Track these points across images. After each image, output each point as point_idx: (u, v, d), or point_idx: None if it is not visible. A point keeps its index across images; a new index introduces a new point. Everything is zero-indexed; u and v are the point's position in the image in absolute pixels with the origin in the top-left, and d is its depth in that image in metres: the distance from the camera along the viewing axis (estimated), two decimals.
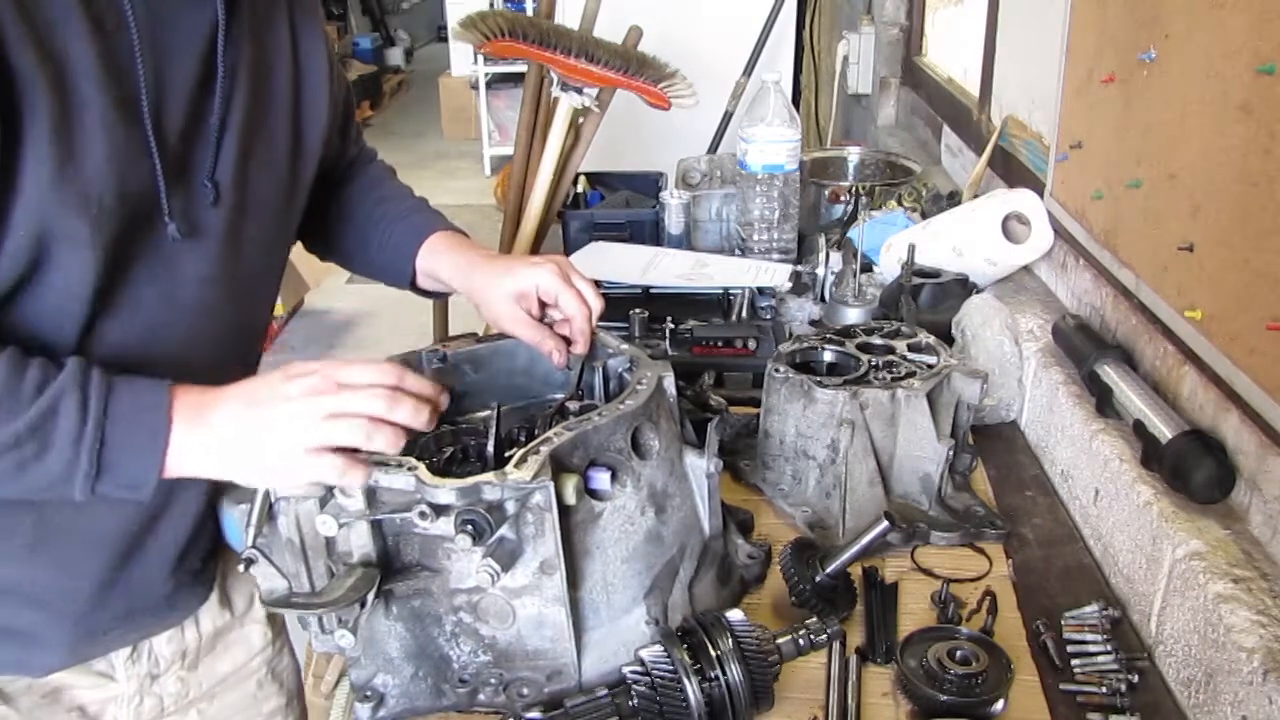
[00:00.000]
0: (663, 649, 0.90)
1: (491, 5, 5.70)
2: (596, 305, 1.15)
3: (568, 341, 1.15)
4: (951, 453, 1.25)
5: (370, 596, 0.89)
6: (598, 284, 1.18)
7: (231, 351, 1.05)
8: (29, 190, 0.82)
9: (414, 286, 1.28)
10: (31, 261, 0.85)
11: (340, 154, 1.29)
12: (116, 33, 0.86)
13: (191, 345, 0.98)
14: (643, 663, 0.90)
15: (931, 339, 1.36)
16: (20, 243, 0.84)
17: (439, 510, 0.88)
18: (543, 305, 1.16)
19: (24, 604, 0.98)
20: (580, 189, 2.32)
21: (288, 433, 0.87)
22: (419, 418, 0.91)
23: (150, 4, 0.89)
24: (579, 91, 2.10)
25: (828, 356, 1.37)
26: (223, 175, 0.98)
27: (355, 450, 0.88)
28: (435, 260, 1.24)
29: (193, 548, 1.08)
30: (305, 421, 0.87)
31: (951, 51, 2.74)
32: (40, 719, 1.05)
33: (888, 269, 1.84)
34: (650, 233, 2.11)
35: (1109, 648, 1.05)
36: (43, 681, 1.04)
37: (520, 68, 2.54)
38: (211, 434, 0.87)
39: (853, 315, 1.70)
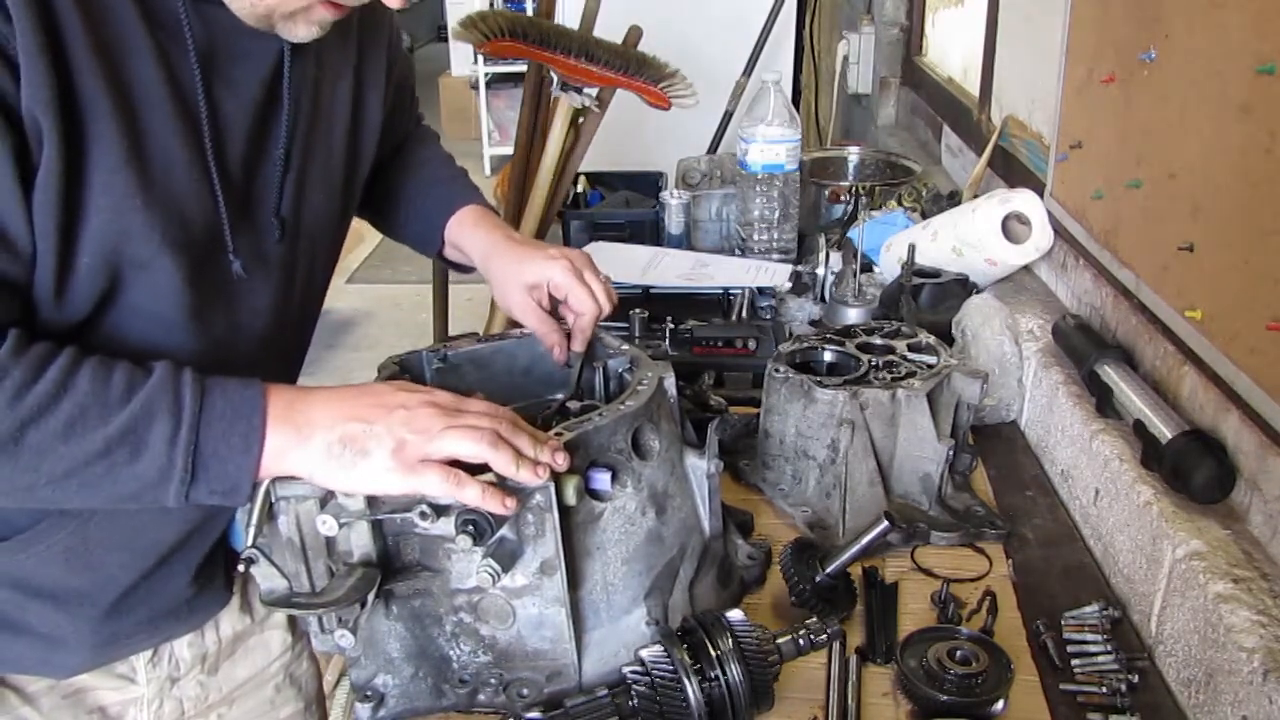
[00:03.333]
0: (663, 649, 0.90)
1: (491, 5, 5.70)
2: (605, 306, 1.14)
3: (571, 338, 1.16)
4: (951, 453, 1.25)
5: (370, 596, 0.89)
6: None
7: (279, 370, 1.06)
8: (97, 216, 0.81)
9: (441, 257, 1.29)
10: (108, 283, 0.85)
11: (401, 132, 1.29)
12: (180, 62, 0.85)
13: (247, 366, 0.97)
14: (643, 663, 0.90)
15: (931, 339, 1.36)
16: (93, 263, 0.83)
17: (439, 510, 0.88)
18: (555, 299, 1.16)
19: (51, 606, 0.98)
20: (580, 189, 2.32)
21: (401, 438, 0.84)
22: (539, 450, 0.88)
23: (211, 32, 0.87)
24: (579, 91, 2.11)
25: (828, 356, 1.37)
26: (286, 209, 0.97)
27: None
28: (461, 234, 1.24)
29: (216, 554, 1.08)
30: (424, 428, 0.85)
31: (951, 51, 2.74)
32: None
33: (888, 269, 1.84)
34: (650, 233, 2.11)
35: (1109, 648, 1.05)
36: (65, 682, 1.04)
37: (520, 68, 2.55)
38: (311, 434, 0.84)
39: (853, 315, 1.70)
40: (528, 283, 1.15)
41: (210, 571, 1.09)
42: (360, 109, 1.08)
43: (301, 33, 0.89)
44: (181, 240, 0.87)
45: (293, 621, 1.24)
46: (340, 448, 0.84)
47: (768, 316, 1.80)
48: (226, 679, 1.18)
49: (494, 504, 0.86)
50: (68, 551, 0.95)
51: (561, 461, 0.89)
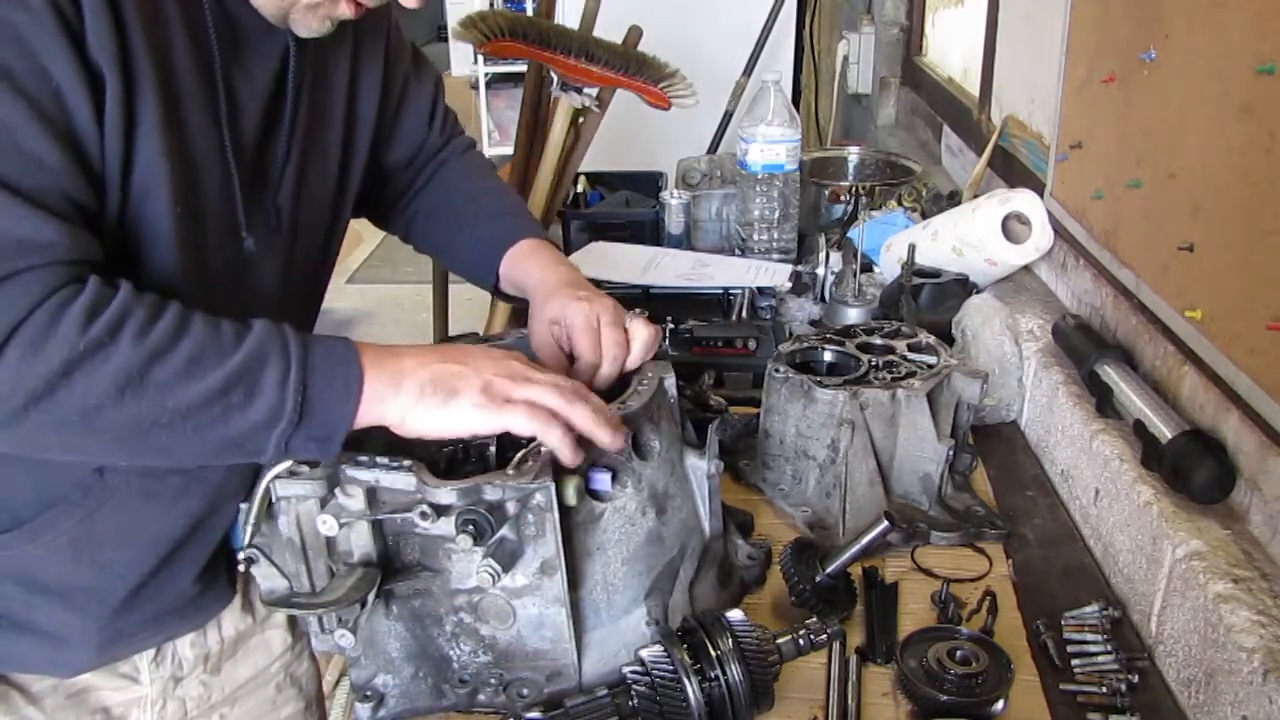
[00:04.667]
0: (663, 649, 0.90)
1: (491, 5, 5.70)
2: (608, 367, 1.07)
3: None
4: (951, 453, 1.25)
5: (370, 596, 0.89)
6: (599, 283, 1.15)
7: None
8: (133, 173, 0.85)
9: (497, 291, 1.27)
10: (129, 250, 0.87)
11: (424, 142, 1.28)
12: (204, 45, 0.90)
13: None
14: (643, 663, 0.90)
15: (931, 339, 1.36)
16: (122, 225, 0.86)
17: (440, 510, 0.88)
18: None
19: (58, 604, 0.98)
20: (580, 189, 2.32)
21: (488, 378, 0.89)
22: (605, 414, 0.94)
23: (230, 22, 0.92)
24: (579, 91, 2.11)
25: (828, 356, 1.37)
26: (284, 198, 1.01)
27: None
28: (515, 270, 1.22)
29: (220, 552, 1.09)
30: (508, 375, 0.90)
31: (951, 52, 2.74)
32: None
33: (888, 269, 1.84)
34: (650, 233, 2.11)
35: (1109, 648, 1.05)
36: (69, 682, 1.05)
37: (520, 68, 2.54)
38: (401, 379, 0.88)
39: (853, 315, 1.70)
40: (549, 318, 1.12)
41: (214, 569, 1.09)
42: (354, 112, 1.11)
43: (314, 26, 0.94)
44: (196, 211, 0.90)
45: (293, 621, 1.24)
46: (431, 388, 0.88)
47: (768, 316, 1.80)
48: (229, 678, 1.18)
49: (566, 454, 0.89)
50: (74, 544, 0.96)
51: (618, 446, 0.94)
